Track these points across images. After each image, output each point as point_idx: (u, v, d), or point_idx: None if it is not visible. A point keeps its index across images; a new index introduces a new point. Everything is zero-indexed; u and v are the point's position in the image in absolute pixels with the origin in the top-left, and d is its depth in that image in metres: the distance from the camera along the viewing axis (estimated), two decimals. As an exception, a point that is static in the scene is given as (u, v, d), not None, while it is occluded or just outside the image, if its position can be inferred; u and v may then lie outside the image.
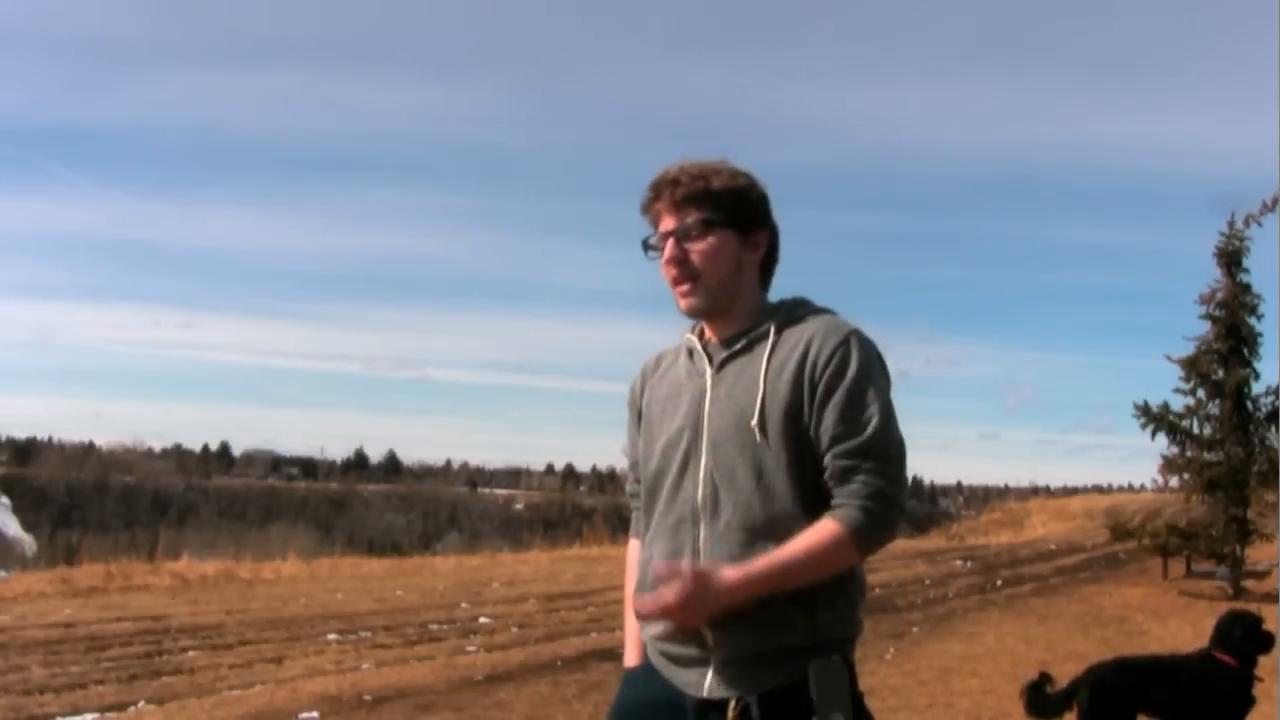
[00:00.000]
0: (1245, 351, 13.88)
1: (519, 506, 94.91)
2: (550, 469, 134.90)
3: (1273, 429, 13.80)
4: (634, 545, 2.07)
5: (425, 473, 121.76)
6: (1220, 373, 13.85)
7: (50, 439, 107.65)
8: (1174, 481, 14.32)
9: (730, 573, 1.71)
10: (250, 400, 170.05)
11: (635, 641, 1.99)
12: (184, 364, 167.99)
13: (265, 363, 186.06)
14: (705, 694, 1.80)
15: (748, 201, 1.90)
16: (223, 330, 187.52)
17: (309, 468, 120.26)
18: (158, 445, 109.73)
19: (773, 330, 1.87)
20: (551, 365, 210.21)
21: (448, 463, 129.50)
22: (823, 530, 1.74)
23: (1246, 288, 13.96)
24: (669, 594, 1.70)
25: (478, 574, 14.14)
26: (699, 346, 1.94)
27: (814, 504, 1.78)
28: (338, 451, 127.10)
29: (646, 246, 1.92)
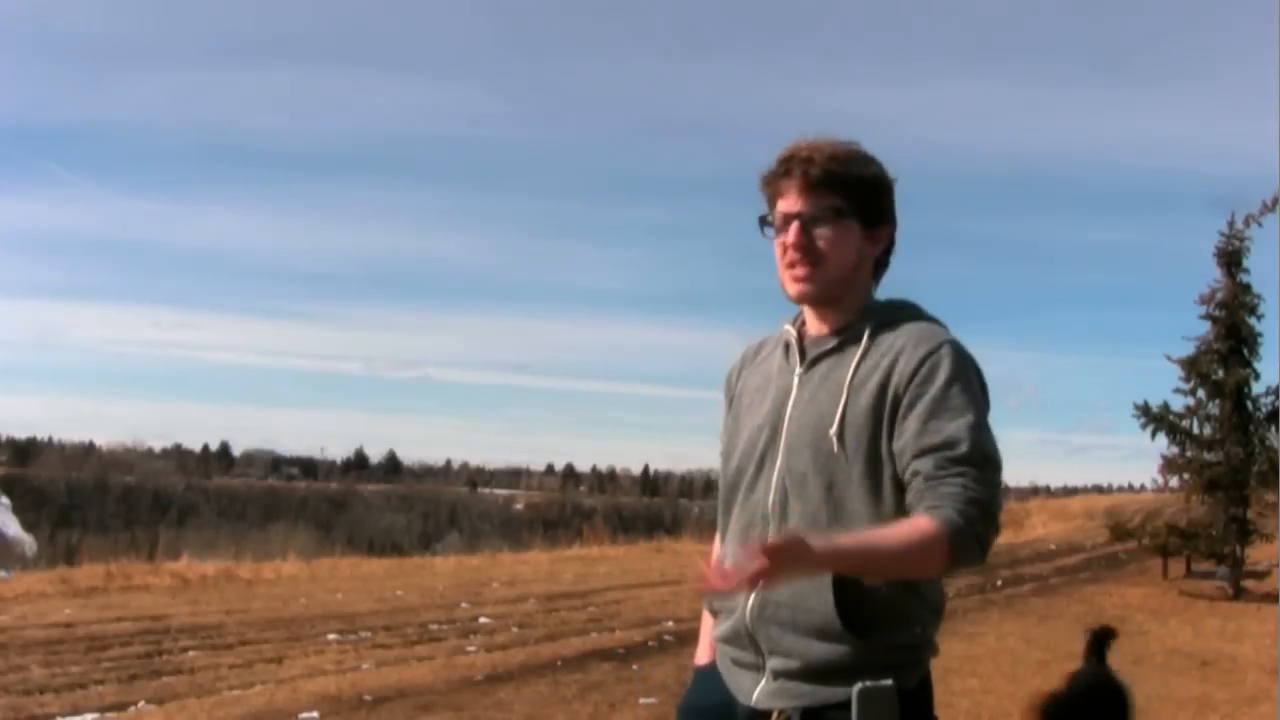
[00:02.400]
0: (1245, 351, 13.88)
1: (519, 506, 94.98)
2: (550, 469, 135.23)
3: (1273, 429, 13.80)
4: (718, 544, 1.99)
5: (425, 473, 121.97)
6: (1220, 373, 13.84)
7: (50, 439, 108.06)
8: (1174, 481, 14.31)
9: (818, 540, 1.52)
10: (250, 400, 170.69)
11: (708, 637, 1.95)
12: (184, 364, 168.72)
13: (265, 363, 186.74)
14: (753, 702, 1.78)
15: (878, 193, 1.81)
16: (222, 330, 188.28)
17: (309, 468, 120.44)
18: (158, 445, 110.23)
19: (866, 334, 1.77)
20: (551, 365, 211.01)
21: (448, 463, 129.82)
22: (917, 524, 1.58)
23: (1246, 288, 13.95)
24: (750, 551, 1.47)
25: (478, 574, 14.13)
26: (795, 341, 1.85)
27: (886, 517, 1.69)
28: (338, 451, 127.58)
29: (764, 223, 1.82)
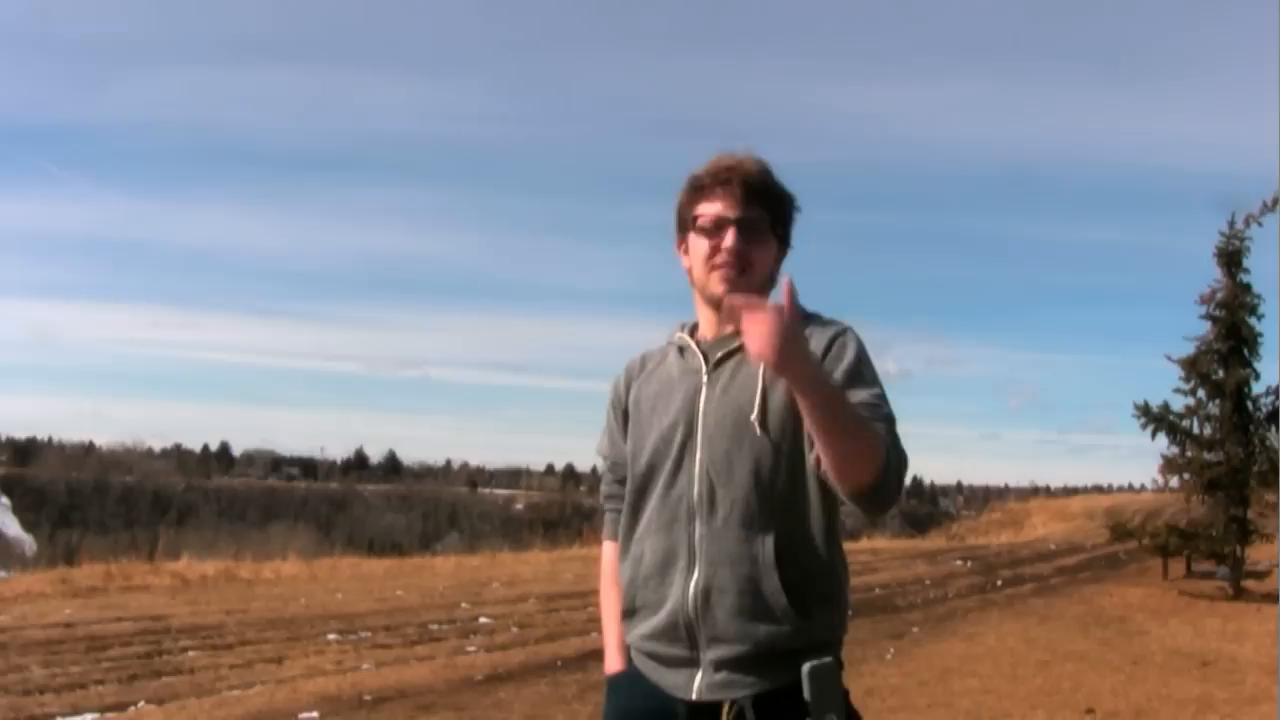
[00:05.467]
0: (1245, 351, 13.89)
1: (519, 506, 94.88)
2: (550, 469, 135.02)
3: (1273, 429, 13.82)
4: (609, 548, 2.05)
5: (425, 473, 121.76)
6: (1220, 373, 13.85)
7: (50, 439, 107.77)
8: (1174, 481, 14.33)
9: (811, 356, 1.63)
10: (250, 400, 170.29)
11: (618, 645, 1.96)
12: (184, 364, 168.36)
13: (265, 363, 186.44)
14: (695, 697, 1.78)
15: (791, 212, 1.92)
16: (222, 330, 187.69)
17: (309, 468, 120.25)
18: (158, 445, 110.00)
19: None
20: (551, 365, 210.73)
21: (448, 463, 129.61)
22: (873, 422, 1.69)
23: (1246, 288, 13.97)
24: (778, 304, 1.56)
25: (478, 574, 14.14)
26: (691, 344, 1.92)
27: (811, 500, 1.79)
28: (338, 451, 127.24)
29: (691, 222, 1.88)
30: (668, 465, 1.86)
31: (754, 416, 1.79)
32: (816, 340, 1.81)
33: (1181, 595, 13.23)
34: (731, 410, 1.81)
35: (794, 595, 1.75)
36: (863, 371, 1.78)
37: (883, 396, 1.77)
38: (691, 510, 1.81)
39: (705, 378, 1.87)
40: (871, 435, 1.66)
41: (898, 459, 1.70)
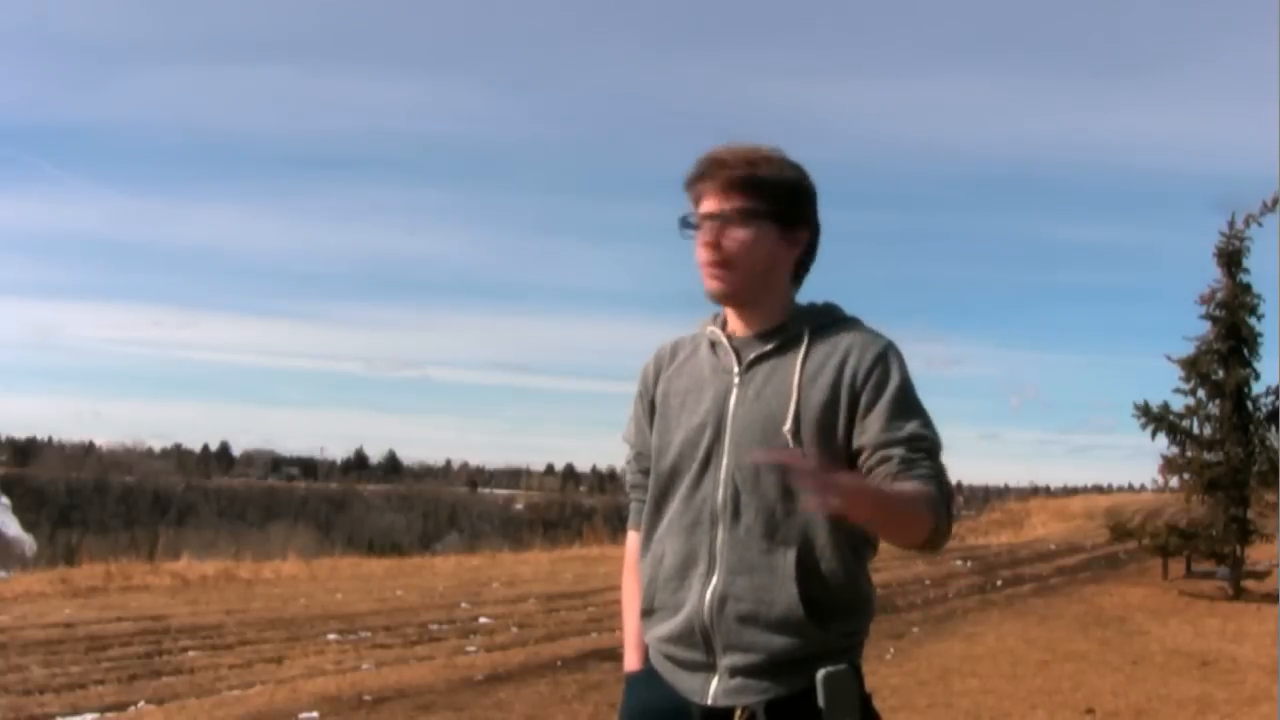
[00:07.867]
0: (1245, 351, 13.87)
1: (519, 506, 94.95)
2: (550, 469, 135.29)
3: (1273, 429, 13.80)
4: (633, 538, 2.00)
5: (425, 473, 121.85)
6: (1220, 373, 13.84)
7: (50, 439, 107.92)
8: (1174, 481, 14.31)
9: (863, 481, 1.64)
10: (250, 400, 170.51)
11: (636, 643, 1.93)
12: (184, 364, 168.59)
13: (265, 363, 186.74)
14: (710, 701, 1.76)
15: (793, 195, 1.83)
16: (222, 330, 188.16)
17: (309, 468, 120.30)
18: (158, 445, 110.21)
19: (807, 335, 1.81)
20: (551, 365, 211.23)
21: (448, 463, 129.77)
22: (918, 486, 1.65)
23: (1246, 288, 13.95)
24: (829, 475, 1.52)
25: (478, 574, 14.14)
26: (724, 340, 1.86)
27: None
28: (338, 451, 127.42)
29: (685, 224, 1.85)
30: (693, 467, 1.81)
31: (787, 427, 1.74)
32: (858, 360, 1.77)
33: (1181, 595, 13.22)
34: (762, 417, 1.77)
35: (812, 608, 1.72)
36: (907, 399, 1.75)
37: (927, 424, 1.75)
38: (714, 515, 1.78)
39: (737, 379, 1.82)
40: (920, 516, 1.64)
41: (946, 508, 1.68)
